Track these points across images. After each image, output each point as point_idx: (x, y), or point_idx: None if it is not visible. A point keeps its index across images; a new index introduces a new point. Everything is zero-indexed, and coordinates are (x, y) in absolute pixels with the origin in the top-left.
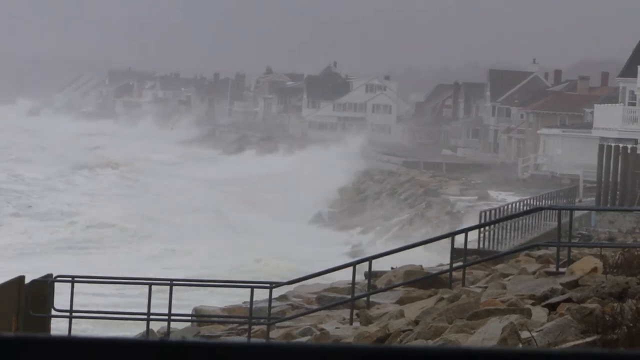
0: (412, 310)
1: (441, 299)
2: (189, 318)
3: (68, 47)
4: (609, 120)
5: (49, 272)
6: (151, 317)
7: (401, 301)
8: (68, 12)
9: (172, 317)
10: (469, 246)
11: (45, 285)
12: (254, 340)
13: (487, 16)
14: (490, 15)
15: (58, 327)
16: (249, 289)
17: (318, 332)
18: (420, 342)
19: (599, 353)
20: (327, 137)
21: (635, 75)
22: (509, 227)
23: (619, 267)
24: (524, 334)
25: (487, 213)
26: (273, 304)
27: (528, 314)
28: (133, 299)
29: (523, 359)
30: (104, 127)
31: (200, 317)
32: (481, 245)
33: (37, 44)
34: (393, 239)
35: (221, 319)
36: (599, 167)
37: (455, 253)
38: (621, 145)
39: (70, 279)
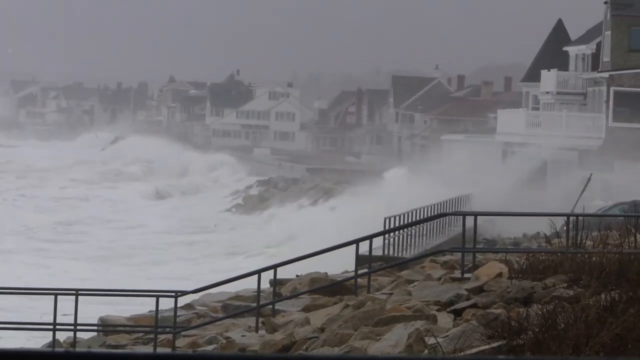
0: (317, 318)
1: (346, 306)
2: (95, 328)
3: None
4: (512, 125)
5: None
6: (57, 327)
7: (307, 309)
8: None
9: (78, 327)
10: (374, 253)
11: None
12: (159, 349)
13: (387, 22)
14: (391, 21)
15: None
16: (154, 298)
17: (224, 341)
18: (326, 350)
19: (504, 359)
20: (231, 144)
21: (538, 80)
22: (413, 233)
23: (524, 272)
24: (430, 340)
25: (392, 219)
26: (178, 313)
27: (434, 319)
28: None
29: None
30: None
31: (106, 326)
32: (386, 252)
33: None
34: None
35: (127, 329)
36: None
37: (360, 260)
38: (525, 150)
39: None
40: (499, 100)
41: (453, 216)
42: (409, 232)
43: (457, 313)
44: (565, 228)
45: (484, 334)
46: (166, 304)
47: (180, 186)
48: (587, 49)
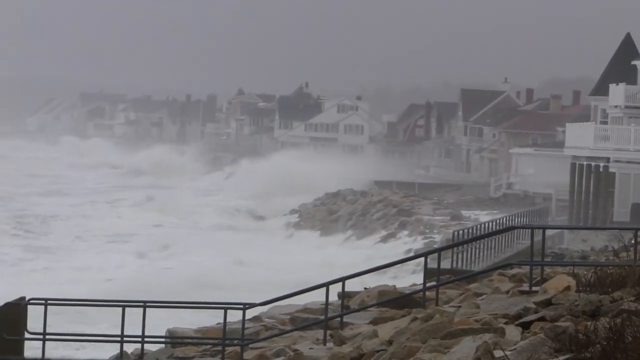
0: (385, 330)
1: (415, 318)
2: (163, 340)
3: (36, 67)
4: (581, 139)
5: None
6: (125, 339)
7: (375, 321)
8: (36, 32)
9: (146, 339)
10: (442, 266)
11: (18, 308)
12: None
13: (456, 35)
14: (460, 34)
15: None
16: (222, 310)
17: (292, 353)
18: None
19: None
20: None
21: (607, 94)
22: (482, 246)
23: (592, 285)
24: (498, 353)
25: (460, 232)
26: (246, 325)
27: (502, 333)
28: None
29: None
30: None
31: (173, 338)
32: (454, 265)
33: (2, 64)
34: (366, 259)
35: (195, 340)
36: (571, 186)
37: (429, 273)
38: (593, 164)
39: (43, 301)
40: (568, 113)
41: (521, 229)
42: (478, 245)
43: (525, 326)
44: (633, 242)
45: (551, 347)
46: (234, 316)
47: (251, 199)
48: None
